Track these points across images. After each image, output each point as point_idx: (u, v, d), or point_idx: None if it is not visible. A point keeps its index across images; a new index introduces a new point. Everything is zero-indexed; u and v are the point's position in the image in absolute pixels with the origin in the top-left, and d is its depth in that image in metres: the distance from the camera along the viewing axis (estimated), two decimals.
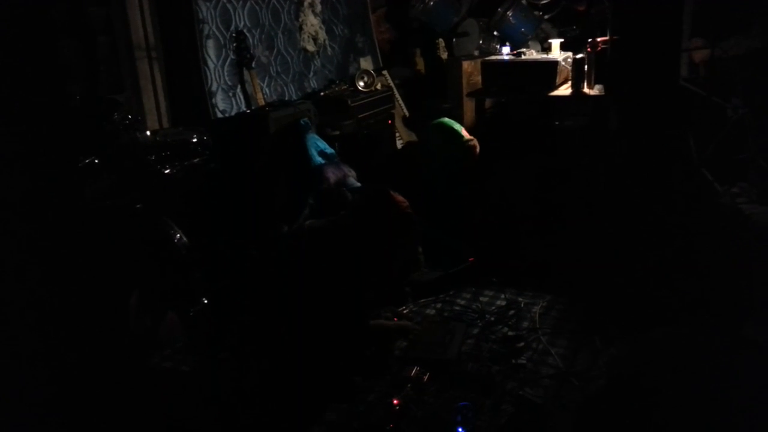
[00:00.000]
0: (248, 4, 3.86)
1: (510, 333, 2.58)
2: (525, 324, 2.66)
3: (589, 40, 3.41)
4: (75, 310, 2.19)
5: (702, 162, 3.30)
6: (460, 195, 3.34)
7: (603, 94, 3.39)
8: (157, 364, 2.50)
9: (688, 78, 3.91)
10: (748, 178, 3.57)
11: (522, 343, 2.50)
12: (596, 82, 3.45)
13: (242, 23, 3.81)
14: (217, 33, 3.65)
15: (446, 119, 3.45)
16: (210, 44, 3.61)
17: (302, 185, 2.99)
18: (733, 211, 3.21)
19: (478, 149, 3.34)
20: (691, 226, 3.07)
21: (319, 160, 3.05)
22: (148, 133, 3.00)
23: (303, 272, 2.40)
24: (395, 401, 2.14)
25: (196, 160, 2.98)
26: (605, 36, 3.27)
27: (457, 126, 3.39)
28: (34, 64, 2.39)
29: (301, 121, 3.19)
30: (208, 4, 3.61)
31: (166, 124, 3.56)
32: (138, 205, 2.61)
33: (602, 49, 3.34)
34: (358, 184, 3.09)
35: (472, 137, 3.36)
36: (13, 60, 2.13)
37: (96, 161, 2.57)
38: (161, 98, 3.57)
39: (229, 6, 3.73)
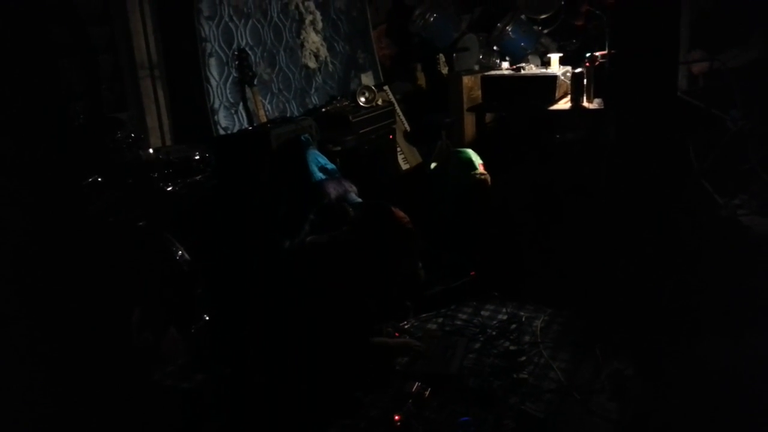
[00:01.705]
0: (250, 22, 3.90)
1: (511, 347, 2.58)
2: (526, 338, 2.66)
3: (588, 54, 3.43)
4: (78, 326, 2.21)
5: (702, 173, 3.31)
6: (466, 223, 3.36)
7: (602, 107, 3.41)
8: (158, 380, 2.50)
9: (687, 90, 3.94)
10: (748, 190, 3.58)
11: (523, 358, 2.50)
12: (595, 96, 3.47)
13: (244, 41, 3.85)
14: (219, 51, 3.69)
15: (468, 150, 3.51)
16: (212, 62, 3.65)
17: (303, 201, 3.00)
18: (733, 222, 3.22)
19: (489, 183, 3.36)
20: (692, 237, 3.07)
21: (320, 175, 3.07)
22: (151, 150, 3.03)
23: (304, 288, 2.41)
24: (396, 417, 2.15)
25: (198, 177, 3.01)
26: (603, 50, 3.29)
27: (475, 158, 3.43)
28: (34, 82, 2.43)
29: (302, 137, 3.21)
30: (210, 23, 3.65)
31: (168, 142, 3.58)
32: (141, 222, 2.63)
33: (600, 63, 3.36)
34: (359, 200, 3.10)
35: (485, 172, 3.39)
36: (14, 79, 2.16)
37: (99, 179, 2.60)
38: (164, 116, 3.60)
39: (231, 25, 3.78)
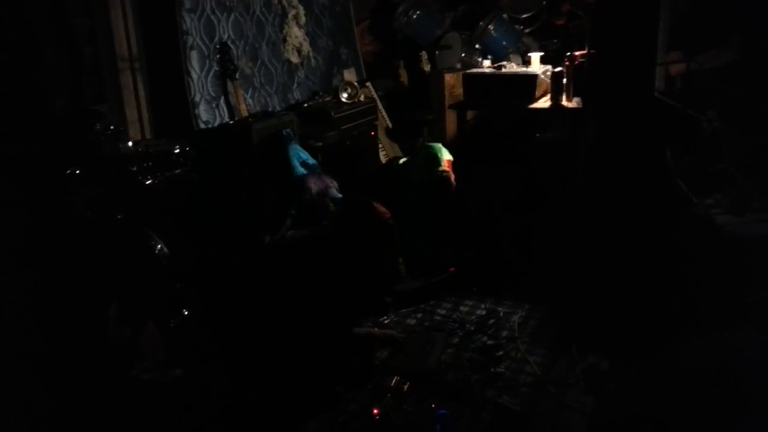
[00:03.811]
0: (232, 16, 3.88)
1: (489, 342, 2.61)
2: (504, 333, 2.69)
3: (568, 53, 3.47)
4: (55, 320, 2.19)
5: (678, 173, 3.36)
6: (432, 217, 3.38)
7: (581, 106, 3.44)
8: (137, 375, 2.49)
9: (665, 91, 4.00)
10: (722, 190, 3.65)
11: (501, 352, 2.53)
12: (575, 95, 3.51)
13: (226, 35, 3.83)
14: (200, 44, 3.67)
15: (436, 145, 3.51)
16: (194, 55, 3.63)
17: (285, 195, 3.00)
18: (707, 221, 3.28)
19: (452, 182, 3.37)
20: (668, 235, 3.13)
21: (301, 170, 3.08)
22: (130, 143, 3.01)
23: (285, 282, 2.42)
24: (375, 411, 2.16)
25: (178, 171, 2.99)
26: (584, 50, 3.33)
27: (441, 154, 3.44)
28: (15, 73, 2.41)
29: (284, 132, 3.22)
30: (192, 15, 3.63)
31: (148, 135, 3.56)
32: (119, 216, 2.61)
33: (580, 62, 3.40)
34: (340, 195, 3.11)
35: (448, 170, 3.40)
36: None
37: (78, 172, 2.57)
38: (144, 109, 3.57)
39: (213, 17, 3.76)
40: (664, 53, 3.92)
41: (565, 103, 3.52)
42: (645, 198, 3.15)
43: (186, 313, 2.65)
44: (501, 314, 2.80)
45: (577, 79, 3.43)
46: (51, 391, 2.18)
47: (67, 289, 2.28)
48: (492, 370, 2.42)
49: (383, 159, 4.48)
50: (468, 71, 3.95)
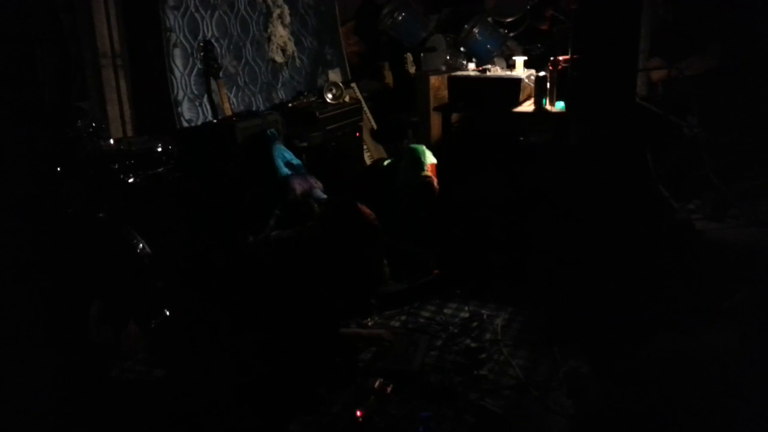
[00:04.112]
0: (216, 13, 3.85)
1: (472, 345, 2.62)
2: (487, 336, 2.70)
3: (551, 58, 3.50)
4: (36, 319, 2.15)
5: (659, 178, 3.41)
6: (416, 219, 3.38)
7: (563, 111, 3.48)
8: (116, 375, 2.46)
9: (646, 97, 4.06)
10: (702, 195, 3.71)
11: (484, 355, 2.54)
12: (558, 100, 3.54)
13: (210, 33, 3.80)
14: (184, 42, 3.63)
15: (420, 147, 3.51)
16: (177, 53, 3.59)
17: (269, 196, 2.99)
18: (687, 226, 3.33)
19: (434, 186, 3.38)
20: (648, 239, 3.17)
21: (285, 170, 3.06)
22: (112, 141, 2.97)
23: (269, 282, 2.40)
24: (359, 413, 2.16)
25: (160, 170, 2.96)
26: (567, 55, 3.36)
27: (425, 158, 3.44)
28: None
29: (268, 132, 3.20)
30: (175, 12, 3.59)
31: (130, 133, 3.52)
32: (101, 214, 2.58)
33: (563, 67, 3.43)
34: (325, 196, 3.10)
35: (430, 174, 3.40)
36: None
37: (58, 169, 2.53)
38: (126, 106, 3.53)
39: (197, 15, 3.72)
40: (645, 59, 3.98)
41: (548, 107, 3.55)
42: (627, 202, 3.19)
43: (167, 312, 2.62)
44: (484, 317, 2.81)
45: (561, 84, 3.47)
46: (27, 390, 2.15)
47: (48, 286, 2.25)
48: (475, 372, 2.43)
49: (368, 160, 4.48)
50: (453, 74, 3.97)
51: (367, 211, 2.53)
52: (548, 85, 3.53)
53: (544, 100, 3.54)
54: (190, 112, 3.65)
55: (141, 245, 2.57)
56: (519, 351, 2.59)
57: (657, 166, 3.46)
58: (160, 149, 2.99)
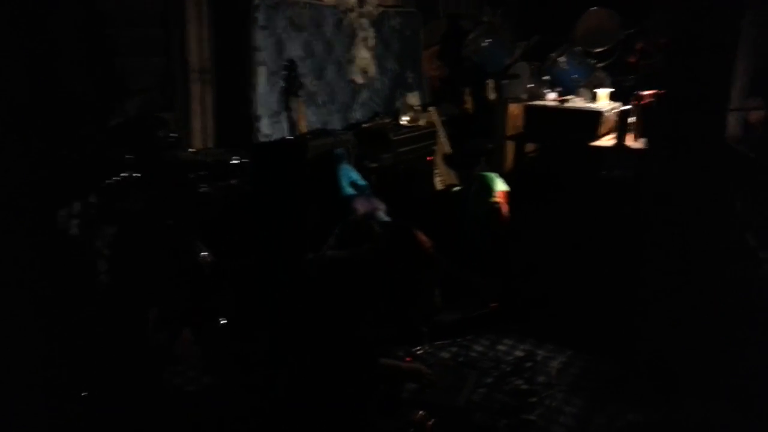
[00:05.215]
0: (303, 35, 3.97)
1: (524, 386, 2.51)
2: (541, 378, 2.58)
3: (635, 92, 3.34)
4: (92, 322, 2.26)
5: (746, 225, 3.16)
6: (483, 247, 3.31)
7: (646, 147, 3.30)
8: (166, 380, 2.54)
9: (742, 138, 3.78)
10: None
11: (535, 398, 2.43)
12: (641, 136, 3.37)
13: (295, 52, 3.91)
14: (269, 60, 3.76)
15: (491, 174, 3.47)
16: (261, 71, 3.72)
17: (331, 214, 3.02)
18: None
19: (503, 213, 3.31)
20: (733, 290, 2.93)
21: (349, 191, 3.08)
22: (190, 151, 3.10)
23: (318, 301, 2.41)
24: None
25: (233, 182, 3.05)
26: (652, 90, 3.20)
27: (495, 184, 3.39)
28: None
29: (336, 151, 3.23)
30: (265, 32, 3.73)
31: (211, 145, 3.67)
32: (169, 221, 2.69)
33: (649, 102, 3.27)
34: (387, 218, 3.09)
35: (501, 201, 3.33)
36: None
37: (134, 175, 2.67)
38: (209, 120, 3.69)
39: (284, 36, 3.85)
40: (743, 98, 3.72)
41: (630, 142, 3.38)
42: (711, 251, 2.97)
43: (223, 322, 2.68)
44: (539, 358, 2.69)
45: (645, 119, 3.30)
46: (78, 388, 2.25)
47: (108, 291, 2.37)
48: (523, 416, 2.33)
49: (438, 185, 4.44)
50: (530, 103, 3.88)
51: (425, 238, 2.49)
52: (632, 119, 3.37)
53: (625, 135, 3.38)
54: (269, 128, 3.76)
55: (204, 254, 2.66)
56: (573, 398, 2.46)
57: (746, 213, 3.20)
58: (235, 162, 3.09)
